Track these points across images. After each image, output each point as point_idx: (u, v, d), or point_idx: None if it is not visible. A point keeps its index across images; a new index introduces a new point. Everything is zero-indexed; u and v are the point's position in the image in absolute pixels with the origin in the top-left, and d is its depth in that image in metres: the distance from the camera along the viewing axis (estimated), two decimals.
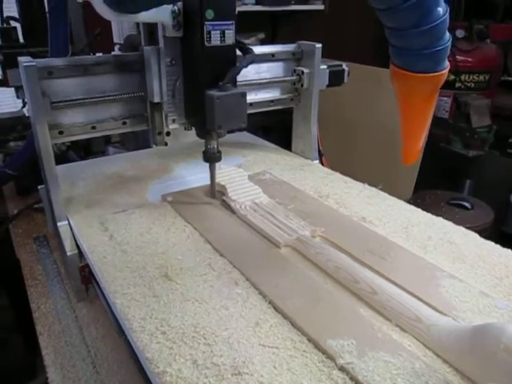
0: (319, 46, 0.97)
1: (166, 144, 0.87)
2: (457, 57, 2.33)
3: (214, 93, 0.69)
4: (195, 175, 0.96)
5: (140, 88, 0.83)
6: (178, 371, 0.47)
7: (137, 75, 0.83)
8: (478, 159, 2.17)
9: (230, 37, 0.71)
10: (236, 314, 0.55)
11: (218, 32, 0.70)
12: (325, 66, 1.01)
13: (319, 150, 1.09)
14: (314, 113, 1.04)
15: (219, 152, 0.80)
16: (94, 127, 0.82)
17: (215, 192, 0.84)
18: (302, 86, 1.00)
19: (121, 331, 0.61)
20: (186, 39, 0.73)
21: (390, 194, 0.88)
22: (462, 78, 2.39)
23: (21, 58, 0.71)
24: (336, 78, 1.03)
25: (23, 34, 1.24)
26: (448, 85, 2.32)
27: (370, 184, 0.92)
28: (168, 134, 0.85)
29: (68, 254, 0.76)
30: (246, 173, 0.90)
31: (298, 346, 0.50)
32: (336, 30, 2.55)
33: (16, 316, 1.43)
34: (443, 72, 0.62)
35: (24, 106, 1.27)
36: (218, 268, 0.64)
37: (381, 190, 0.90)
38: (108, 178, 0.97)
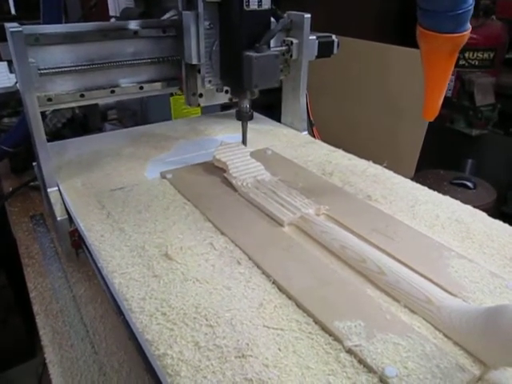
0: (308, 16, 0.96)
1: (199, 105, 0.89)
2: None
3: (252, 54, 0.75)
4: (195, 152, 0.94)
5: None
6: (180, 353, 0.45)
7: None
8: (481, 138, 2.14)
9: (267, 2, 0.76)
10: (239, 294, 0.53)
11: None
12: (314, 37, 0.99)
13: (310, 121, 1.09)
14: (303, 84, 1.03)
15: (251, 111, 0.86)
16: (82, 95, 0.81)
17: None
18: (291, 56, 0.99)
19: (119, 312, 0.59)
20: (225, 4, 0.77)
21: (394, 173, 0.85)
22: (466, 55, 2.34)
23: (7, 24, 0.70)
24: (325, 48, 1.02)
25: (15, 5, 1.20)
26: None
27: (372, 162, 0.89)
28: (201, 95, 0.88)
29: (58, 219, 0.77)
30: (248, 149, 0.87)
31: (303, 327, 0.48)
32: (339, 6, 2.48)
33: (15, 295, 1.43)
34: (465, 33, 0.67)
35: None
36: (219, 247, 0.62)
37: (385, 167, 0.87)
38: (105, 155, 0.94)
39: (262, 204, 0.70)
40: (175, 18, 0.86)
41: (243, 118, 0.86)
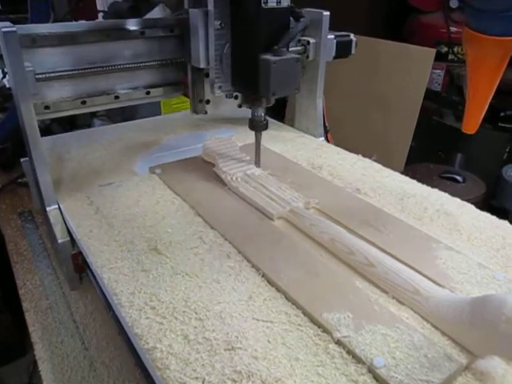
0: (327, 13, 0.89)
1: (206, 112, 0.83)
2: (450, 28, 2.29)
3: (270, 57, 0.66)
4: (185, 147, 0.94)
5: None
6: (169, 347, 0.45)
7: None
8: None
9: None
10: (228, 287, 0.53)
11: None
12: (332, 36, 0.93)
13: (325, 126, 1.03)
14: (319, 86, 0.97)
15: (266, 120, 0.77)
16: (84, 102, 0.75)
17: (260, 161, 0.81)
18: (307, 57, 0.92)
19: (109, 307, 0.59)
20: (238, 0, 0.68)
21: (383, 166, 0.86)
22: (455, 49, 2.35)
23: None
24: (343, 48, 0.97)
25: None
26: (441, 57, 2.29)
27: (362, 156, 0.90)
28: (208, 101, 0.82)
29: (59, 241, 0.71)
30: (238, 144, 0.87)
31: (292, 319, 0.48)
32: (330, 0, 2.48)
33: (3, 293, 1.41)
34: None
35: (4, 77, 1.22)
36: (208, 241, 0.62)
37: (375, 161, 0.88)
38: (94, 151, 0.93)
39: (252, 198, 0.70)
40: (182, 15, 0.78)
41: (257, 127, 0.77)
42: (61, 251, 0.72)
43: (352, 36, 0.98)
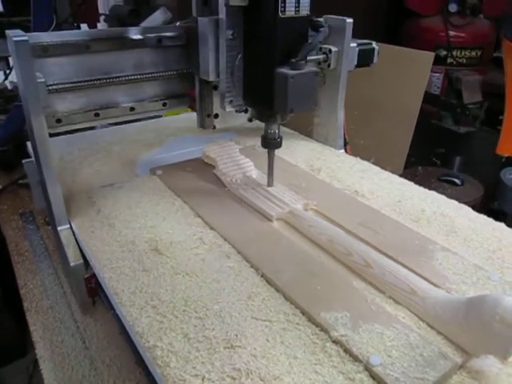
0: (350, 21, 0.84)
1: (215, 127, 0.78)
2: (449, 32, 2.30)
3: (287, 71, 0.60)
4: (186, 149, 0.94)
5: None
6: (169, 345, 0.46)
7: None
8: (469, 136, 2.17)
9: (305, 6, 0.62)
10: (228, 287, 0.54)
11: (294, 0, 0.61)
12: (354, 44, 0.88)
13: (344, 138, 0.99)
14: (341, 97, 0.93)
15: (280, 137, 0.71)
16: (97, 114, 0.72)
17: (272, 182, 0.75)
18: (328, 66, 0.87)
19: (110, 306, 0.60)
20: (253, 9, 0.62)
21: (381, 169, 0.87)
22: (454, 53, 2.37)
23: (10, 32, 0.59)
24: (365, 57, 0.91)
25: (3, 1, 1.19)
26: (439, 60, 2.30)
27: (360, 159, 0.91)
28: (216, 116, 0.78)
29: (71, 264, 0.67)
30: (237, 146, 0.88)
31: (291, 318, 0.49)
32: (326, 2, 2.49)
33: (4, 293, 1.42)
34: None
35: (6, 78, 1.22)
36: (208, 241, 0.62)
37: (373, 164, 0.89)
38: (96, 152, 0.94)
39: (251, 200, 0.71)
40: (189, 24, 0.73)
41: (271, 145, 0.71)
42: (73, 275, 0.68)
43: (374, 44, 0.93)
